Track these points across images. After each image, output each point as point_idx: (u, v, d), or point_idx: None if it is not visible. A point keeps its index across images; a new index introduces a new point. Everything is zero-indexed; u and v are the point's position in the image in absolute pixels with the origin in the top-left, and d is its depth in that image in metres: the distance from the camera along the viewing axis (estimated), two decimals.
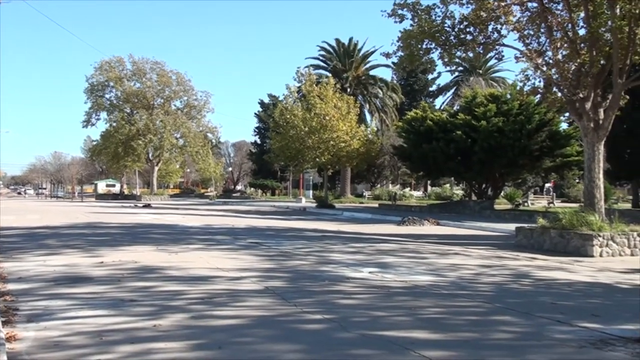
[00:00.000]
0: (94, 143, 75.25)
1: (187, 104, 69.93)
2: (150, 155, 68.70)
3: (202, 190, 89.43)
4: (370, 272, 10.94)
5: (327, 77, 49.25)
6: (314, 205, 43.95)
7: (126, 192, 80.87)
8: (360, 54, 65.96)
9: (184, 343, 5.86)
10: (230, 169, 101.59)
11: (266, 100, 79.13)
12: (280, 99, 52.47)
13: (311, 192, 62.53)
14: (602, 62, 17.47)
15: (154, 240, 16.61)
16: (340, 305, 7.92)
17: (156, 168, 69.77)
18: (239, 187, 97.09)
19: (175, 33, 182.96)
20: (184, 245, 15.40)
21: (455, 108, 46.39)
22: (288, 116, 42.47)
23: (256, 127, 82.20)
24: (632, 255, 14.60)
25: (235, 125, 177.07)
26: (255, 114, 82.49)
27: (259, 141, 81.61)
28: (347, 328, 6.54)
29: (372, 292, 8.97)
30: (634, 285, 9.78)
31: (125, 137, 65.06)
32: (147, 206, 45.76)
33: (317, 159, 42.57)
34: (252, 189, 78.61)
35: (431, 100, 77.69)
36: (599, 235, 14.85)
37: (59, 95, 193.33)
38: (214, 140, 75.35)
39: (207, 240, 16.96)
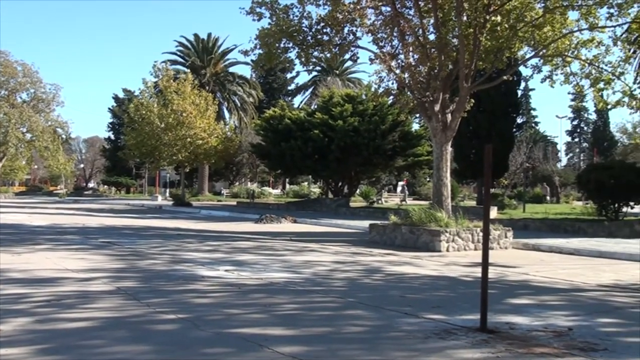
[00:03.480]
0: None
1: (34, 96, 65.98)
2: None
3: (52, 188, 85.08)
4: (226, 270, 10.88)
5: (185, 72, 48.46)
6: (171, 203, 43.16)
7: None
8: (220, 51, 65.38)
9: (28, 348, 5.53)
10: (82, 165, 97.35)
11: (121, 95, 76.67)
12: (135, 94, 50.89)
13: (168, 190, 61.24)
14: (450, 66, 18.38)
15: None
16: (194, 304, 7.81)
17: (0, 164, 65.49)
18: (91, 185, 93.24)
19: (24, 24, 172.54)
20: (29, 245, 14.56)
21: (313, 107, 47.22)
22: (144, 112, 41.33)
23: (110, 123, 79.52)
24: (475, 249, 15.41)
25: (88, 121, 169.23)
26: (109, 109, 79.77)
27: (113, 137, 78.88)
28: (201, 327, 6.46)
29: (228, 290, 8.93)
30: (475, 278, 10.35)
31: None
32: None
33: (174, 156, 41.77)
34: (105, 186, 75.88)
35: (290, 99, 78.59)
36: (446, 231, 15.61)
37: None
38: (64, 136, 71.54)
39: (55, 240, 16.14)
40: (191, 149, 41.40)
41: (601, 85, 17.63)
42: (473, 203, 37.75)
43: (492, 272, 10.35)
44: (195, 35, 65.12)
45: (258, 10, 18.87)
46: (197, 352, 5.62)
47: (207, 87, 55.61)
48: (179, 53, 65.14)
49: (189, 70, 51.38)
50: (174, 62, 61.38)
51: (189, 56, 63.81)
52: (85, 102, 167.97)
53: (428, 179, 55.23)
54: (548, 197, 41.84)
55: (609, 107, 18.54)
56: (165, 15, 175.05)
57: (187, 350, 5.65)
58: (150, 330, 6.44)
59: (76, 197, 61.30)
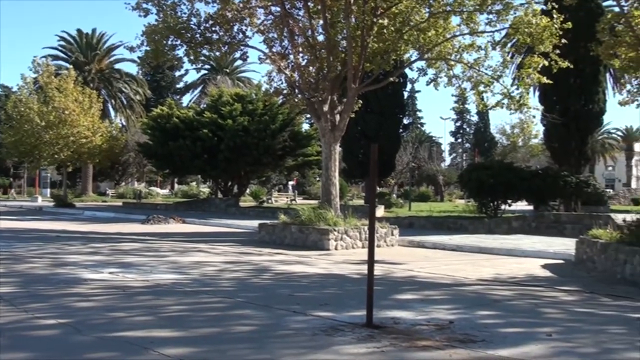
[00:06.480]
0: None
1: None
2: None
3: None
4: (110, 273, 10.54)
5: (67, 69, 46.59)
6: (52, 204, 41.35)
7: None
8: (105, 47, 63.31)
9: None
10: None
11: None
12: (13, 90, 48.41)
13: (49, 190, 58.67)
14: (339, 67, 18.61)
15: None
16: (76, 308, 7.52)
17: None
18: None
19: None
20: None
21: (202, 106, 46.58)
22: (22, 109, 39.36)
23: None
24: (363, 247, 15.65)
25: None
26: None
27: None
28: (83, 331, 6.23)
29: (112, 293, 8.66)
30: (362, 275, 10.50)
31: None
32: None
33: (56, 155, 40.02)
34: None
35: (178, 97, 77.29)
36: (335, 230, 15.83)
37: None
38: None
39: None
40: (74, 147, 39.80)
41: (481, 87, 18.40)
42: (362, 202, 38.45)
43: (379, 269, 10.59)
44: (79, 31, 62.76)
45: (145, 6, 18.38)
46: (79, 357, 5.45)
47: (91, 85, 53.70)
48: (61, 48, 62.59)
49: (71, 67, 49.29)
50: (55, 58, 59.02)
51: (72, 52, 61.41)
52: None
53: (317, 179, 55.78)
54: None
55: (488, 108, 19.36)
56: (46, 8, 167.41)
57: (68, 356, 5.47)
58: (28, 336, 6.17)
59: None
